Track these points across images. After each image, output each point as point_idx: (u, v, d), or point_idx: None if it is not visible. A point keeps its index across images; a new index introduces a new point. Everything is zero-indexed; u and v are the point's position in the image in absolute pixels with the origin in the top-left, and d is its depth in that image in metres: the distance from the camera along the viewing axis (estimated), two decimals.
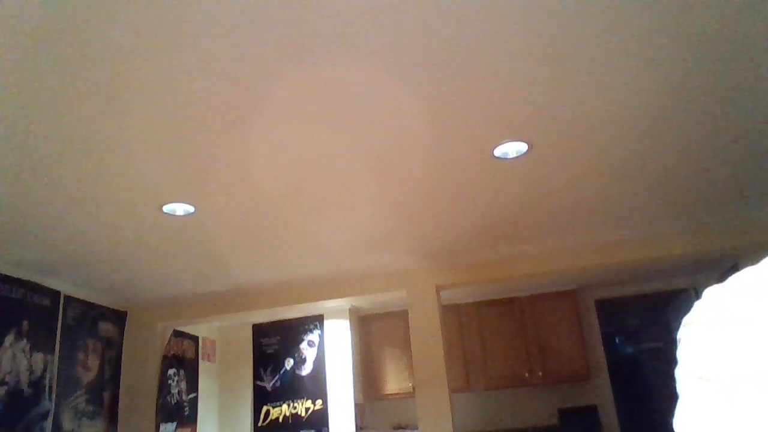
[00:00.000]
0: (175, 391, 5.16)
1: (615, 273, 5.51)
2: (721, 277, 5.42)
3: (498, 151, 2.82)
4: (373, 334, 6.03)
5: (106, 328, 4.75)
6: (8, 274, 3.78)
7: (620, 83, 2.32)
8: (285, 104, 2.28)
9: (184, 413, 5.27)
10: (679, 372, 0.53)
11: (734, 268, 5.21)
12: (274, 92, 2.19)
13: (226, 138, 2.49)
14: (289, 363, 5.78)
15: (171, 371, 5.13)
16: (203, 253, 3.92)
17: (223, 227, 3.50)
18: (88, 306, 4.54)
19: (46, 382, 3.99)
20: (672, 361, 0.55)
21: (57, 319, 4.18)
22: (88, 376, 4.45)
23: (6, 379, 3.65)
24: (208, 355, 5.91)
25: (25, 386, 3.80)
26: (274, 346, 5.89)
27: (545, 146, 2.81)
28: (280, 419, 5.64)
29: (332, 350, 5.70)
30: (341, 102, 2.29)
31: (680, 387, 0.52)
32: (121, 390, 4.82)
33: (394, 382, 5.84)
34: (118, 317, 4.93)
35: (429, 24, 1.89)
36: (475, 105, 2.39)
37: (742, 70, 2.30)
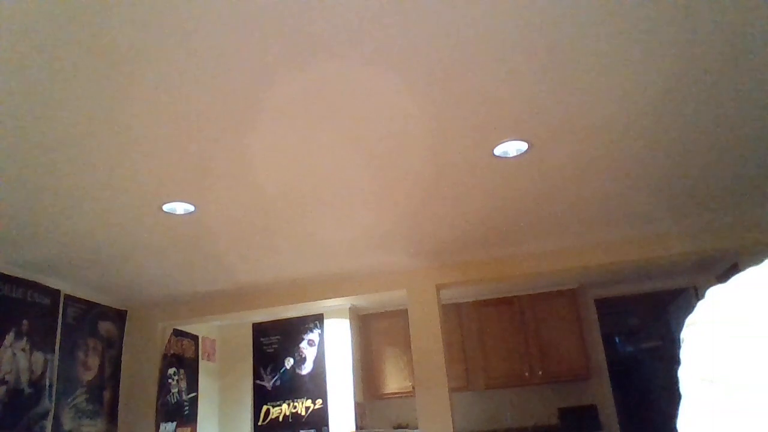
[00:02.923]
0: (175, 390, 5.16)
1: (615, 272, 5.50)
2: (721, 277, 5.42)
3: (498, 150, 2.81)
4: (373, 334, 6.03)
5: (106, 327, 4.75)
6: (8, 273, 3.78)
7: (621, 83, 2.32)
8: (285, 104, 2.28)
9: (184, 412, 5.28)
10: (682, 373, 0.53)
11: (734, 268, 5.21)
12: (274, 92, 2.19)
13: (227, 137, 2.49)
14: (289, 362, 5.78)
15: (171, 370, 5.13)
16: (203, 253, 3.92)
17: (223, 226, 3.50)
18: (88, 305, 4.55)
19: (46, 381, 3.99)
20: (672, 360, 0.55)
21: (57, 319, 4.18)
22: (88, 376, 4.45)
23: (6, 379, 3.65)
24: (208, 354, 5.91)
25: (25, 385, 3.80)
26: (274, 345, 5.89)
27: (545, 145, 2.81)
28: (280, 418, 5.64)
29: (332, 349, 5.70)
30: (341, 102, 2.29)
31: (684, 388, 0.52)
32: (121, 389, 4.82)
33: (394, 381, 5.84)
34: (119, 316, 4.93)
35: (429, 24, 1.89)
36: (474, 103, 2.39)
37: (742, 70, 2.29)
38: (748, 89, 2.44)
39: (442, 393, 4.45)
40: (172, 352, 5.19)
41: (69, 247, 3.58)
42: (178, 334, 5.35)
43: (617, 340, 8.10)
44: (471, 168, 2.99)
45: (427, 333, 4.60)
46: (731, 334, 0.48)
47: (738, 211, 4.02)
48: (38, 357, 3.94)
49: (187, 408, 5.32)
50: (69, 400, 4.21)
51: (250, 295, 5.02)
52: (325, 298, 4.97)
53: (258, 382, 5.83)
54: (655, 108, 2.54)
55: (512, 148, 2.80)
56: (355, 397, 5.51)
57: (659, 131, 2.76)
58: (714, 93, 2.46)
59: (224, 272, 4.39)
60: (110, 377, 4.72)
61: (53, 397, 4.04)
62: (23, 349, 3.82)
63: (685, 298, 6.15)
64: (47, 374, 4.01)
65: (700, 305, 0.54)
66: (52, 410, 4.02)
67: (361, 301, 5.50)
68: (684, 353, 0.53)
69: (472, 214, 3.67)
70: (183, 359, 5.37)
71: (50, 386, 4.03)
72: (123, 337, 4.95)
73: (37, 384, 3.90)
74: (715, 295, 0.53)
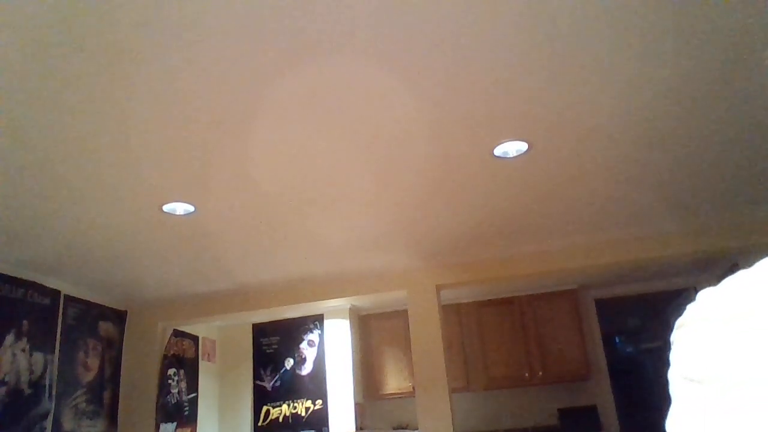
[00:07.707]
0: (175, 390, 5.16)
1: (615, 273, 5.50)
2: (721, 277, 5.41)
3: (498, 151, 2.81)
4: (373, 334, 6.03)
5: (106, 327, 4.75)
6: (8, 273, 3.78)
7: (621, 83, 2.32)
8: (285, 104, 2.28)
9: (184, 413, 5.27)
10: (670, 374, 0.53)
11: (734, 268, 5.21)
12: (274, 92, 2.19)
13: (227, 137, 2.49)
14: (289, 363, 5.78)
15: (171, 371, 5.13)
16: (203, 253, 3.92)
17: (223, 227, 3.50)
18: (88, 305, 4.54)
19: (46, 381, 3.99)
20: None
21: (57, 319, 4.18)
22: (88, 376, 4.45)
23: (6, 379, 3.65)
24: (208, 354, 5.91)
25: (25, 386, 3.79)
26: (274, 345, 5.89)
27: (545, 145, 2.81)
28: (280, 419, 5.64)
29: (332, 350, 5.70)
30: (341, 102, 2.29)
31: (672, 389, 0.52)
32: (121, 390, 4.82)
33: (394, 381, 5.83)
34: (118, 317, 4.93)
35: (429, 24, 1.89)
36: (475, 104, 2.39)
37: (742, 70, 2.29)
38: (747, 89, 2.44)
39: (442, 393, 4.45)
40: (172, 352, 5.19)
41: (69, 247, 3.58)
42: (178, 334, 5.35)
43: (617, 341, 8.09)
44: (471, 168, 2.99)
45: (427, 333, 4.60)
46: (717, 333, 0.48)
47: (738, 211, 4.02)
48: (38, 357, 3.94)
49: (187, 408, 5.32)
50: (69, 400, 4.21)
51: (250, 295, 5.02)
52: (325, 299, 4.96)
53: (258, 382, 5.83)
54: (655, 108, 2.54)
55: (512, 148, 2.80)
56: (355, 397, 5.51)
57: (659, 131, 2.76)
58: (714, 93, 2.46)
59: (224, 272, 4.39)
60: (110, 378, 4.72)
61: (53, 398, 4.04)
62: (23, 350, 3.82)
63: (685, 298, 6.15)
64: (47, 375, 4.01)
65: (689, 307, 0.54)
66: (52, 411, 4.02)
67: (361, 301, 5.49)
68: (675, 354, 0.53)
69: (473, 214, 3.67)
70: (183, 360, 5.37)
71: (50, 387, 4.02)
72: (123, 338, 4.95)
73: (37, 384, 3.90)
74: (704, 296, 0.53)
